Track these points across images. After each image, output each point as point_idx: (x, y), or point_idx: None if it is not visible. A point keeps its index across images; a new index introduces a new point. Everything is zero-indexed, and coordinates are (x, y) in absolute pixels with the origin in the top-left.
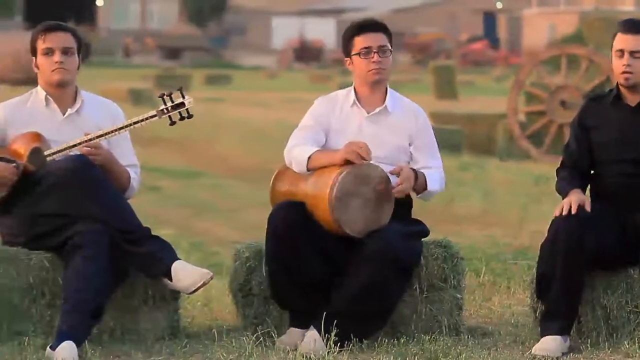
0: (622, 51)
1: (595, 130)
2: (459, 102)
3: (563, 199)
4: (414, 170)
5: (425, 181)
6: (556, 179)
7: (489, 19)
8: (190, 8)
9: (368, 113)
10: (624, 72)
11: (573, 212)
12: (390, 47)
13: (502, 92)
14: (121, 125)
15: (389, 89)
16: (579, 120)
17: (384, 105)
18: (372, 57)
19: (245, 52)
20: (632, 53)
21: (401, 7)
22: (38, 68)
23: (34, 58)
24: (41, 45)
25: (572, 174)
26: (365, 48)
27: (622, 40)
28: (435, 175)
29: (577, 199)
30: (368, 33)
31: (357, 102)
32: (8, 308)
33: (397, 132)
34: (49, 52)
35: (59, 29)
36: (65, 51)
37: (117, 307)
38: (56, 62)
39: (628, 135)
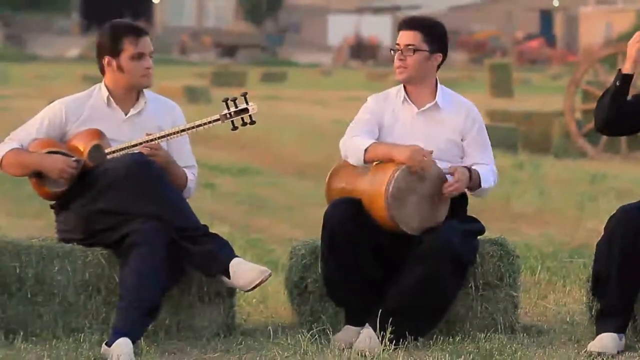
0: None
1: None
2: (514, 100)
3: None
4: (468, 169)
5: (479, 179)
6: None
7: (546, 16)
8: (246, 6)
9: (418, 109)
10: None
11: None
12: (421, 47)
13: (558, 90)
14: (183, 128)
15: (439, 85)
16: None
17: (434, 101)
18: (396, 56)
19: (301, 49)
20: None
21: (457, 4)
22: (122, 71)
23: (109, 57)
24: (132, 49)
25: None
26: (397, 45)
27: None
28: (488, 172)
29: None
30: (400, 31)
31: (407, 98)
32: (64, 304)
33: (447, 128)
34: (140, 57)
35: (145, 33)
36: (151, 55)
37: (172, 304)
38: (147, 68)
39: None
